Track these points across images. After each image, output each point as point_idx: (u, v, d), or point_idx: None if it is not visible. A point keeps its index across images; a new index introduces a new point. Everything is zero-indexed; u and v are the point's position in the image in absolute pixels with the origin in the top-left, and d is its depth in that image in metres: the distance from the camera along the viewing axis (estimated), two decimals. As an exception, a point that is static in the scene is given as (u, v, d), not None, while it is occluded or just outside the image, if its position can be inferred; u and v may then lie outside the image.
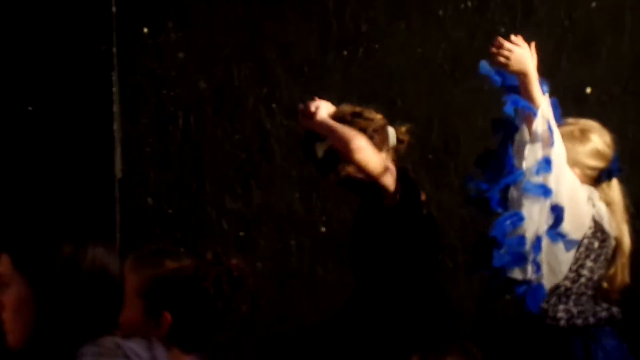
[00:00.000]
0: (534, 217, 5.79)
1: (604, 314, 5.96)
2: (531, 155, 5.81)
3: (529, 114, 5.79)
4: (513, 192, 5.84)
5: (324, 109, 6.16)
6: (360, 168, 5.98)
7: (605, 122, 6.99)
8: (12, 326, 3.43)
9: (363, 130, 6.10)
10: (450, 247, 7.30)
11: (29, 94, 7.75)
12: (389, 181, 6.03)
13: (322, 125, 6.07)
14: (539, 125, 5.76)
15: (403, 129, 6.37)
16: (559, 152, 5.78)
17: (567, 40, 7.23)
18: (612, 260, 6.04)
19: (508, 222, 5.80)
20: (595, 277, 5.98)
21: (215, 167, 7.57)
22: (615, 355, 5.98)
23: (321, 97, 7.28)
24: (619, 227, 6.03)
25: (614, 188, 6.07)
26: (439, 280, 6.46)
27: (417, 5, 7.40)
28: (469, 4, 7.34)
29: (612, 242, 6.01)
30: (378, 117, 6.26)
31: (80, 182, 7.63)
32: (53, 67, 7.71)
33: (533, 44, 5.93)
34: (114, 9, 7.64)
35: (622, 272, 6.06)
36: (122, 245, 7.46)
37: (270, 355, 6.27)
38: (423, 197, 6.20)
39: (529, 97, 5.76)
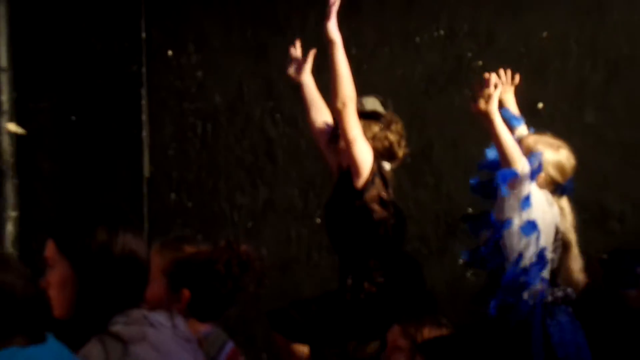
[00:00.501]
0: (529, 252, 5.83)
1: (559, 293, 5.94)
2: (512, 205, 5.82)
3: (514, 180, 5.76)
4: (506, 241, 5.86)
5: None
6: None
7: (554, 132, 7.00)
8: (57, 301, 3.44)
9: None
10: (425, 237, 7.29)
11: (73, 107, 7.74)
12: (365, 163, 6.01)
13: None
14: (522, 184, 5.76)
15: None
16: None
17: (523, 63, 7.20)
18: (564, 251, 6.04)
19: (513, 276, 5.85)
20: (555, 264, 5.97)
21: (227, 168, 7.56)
22: (567, 329, 5.96)
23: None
24: (566, 226, 6.03)
25: (564, 199, 6.07)
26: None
27: (398, 33, 7.39)
28: (441, 32, 7.33)
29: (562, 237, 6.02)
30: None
31: (114, 180, 7.63)
32: (93, 84, 7.71)
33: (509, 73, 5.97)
34: (143, 34, 7.63)
35: (575, 261, 6.05)
36: (149, 233, 7.46)
37: (277, 321, 6.27)
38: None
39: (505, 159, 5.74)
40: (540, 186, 5.98)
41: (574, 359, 5.98)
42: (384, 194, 6.15)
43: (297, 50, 6.41)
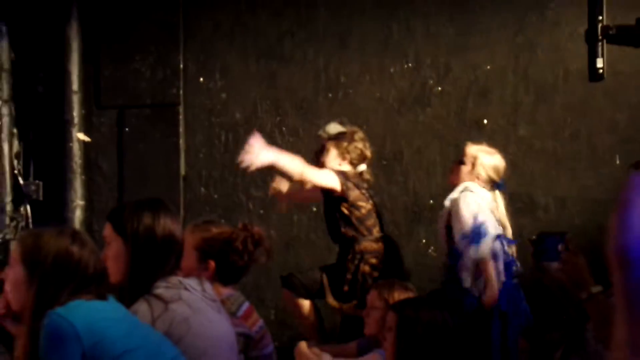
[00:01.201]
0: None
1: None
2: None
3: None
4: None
5: (260, 151, 5.84)
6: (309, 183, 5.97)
7: (495, 143, 7.01)
8: (113, 270, 3.48)
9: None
10: (397, 222, 7.29)
11: (126, 119, 7.74)
12: (334, 184, 6.00)
13: (269, 163, 5.88)
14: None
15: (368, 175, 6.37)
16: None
17: (471, 89, 7.21)
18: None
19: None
20: None
21: (244, 168, 7.54)
22: (517, 297, 5.97)
23: (314, 124, 7.30)
24: (500, 215, 6.03)
25: (498, 194, 6.05)
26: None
27: (377, 65, 7.39)
28: (410, 65, 7.32)
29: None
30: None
31: (158, 177, 7.62)
32: (142, 103, 7.71)
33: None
34: (181, 65, 7.63)
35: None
36: (184, 218, 7.44)
37: (287, 282, 6.28)
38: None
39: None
40: (482, 185, 6.00)
41: (521, 323, 5.99)
42: (362, 191, 6.14)
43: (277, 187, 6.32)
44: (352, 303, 6.05)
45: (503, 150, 7.03)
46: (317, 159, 6.17)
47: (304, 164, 5.92)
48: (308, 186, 6.10)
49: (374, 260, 6.17)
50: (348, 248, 6.14)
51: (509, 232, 6.12)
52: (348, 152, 6.15)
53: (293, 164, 5.88)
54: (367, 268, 6.13)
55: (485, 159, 6.09)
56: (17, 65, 7.85)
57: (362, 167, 6.25)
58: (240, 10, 7.58)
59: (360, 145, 6.21)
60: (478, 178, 6.01)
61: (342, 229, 6.11)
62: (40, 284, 3.11)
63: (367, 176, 6.29)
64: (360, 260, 6.12)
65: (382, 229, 6.29)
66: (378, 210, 6.32)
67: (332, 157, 6.13)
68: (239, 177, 7.53)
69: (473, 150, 6.12)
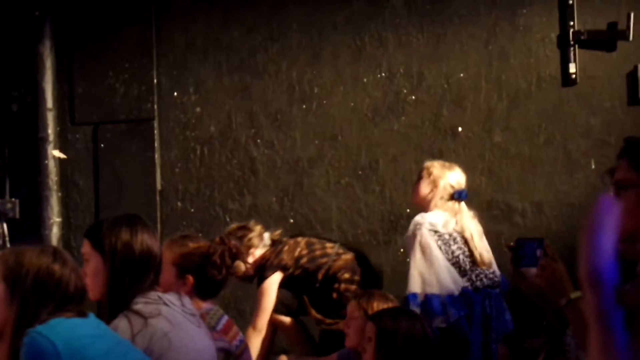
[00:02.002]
0: None
1: (487, 281, 5.95)
2: None
3: None
4: None
5: None
6: None
7: (469, 149, 7.03)
8: (92, 286, 3.47)
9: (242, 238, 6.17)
10: (373, 231, 7.29)
11: (100, 134, 7.70)
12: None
13: None
14: None
15: (276, 233, 6.44)
16: None
17: (445, 97, 7.22)
18: (466, 243, 6.06)
19: None
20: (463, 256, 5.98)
21: (220, 181, 7.54)
22: (500, 308, 6.00)
23: (289, 135, 7.31)
24: (462, 224, 6.02)
25: (463, 206, 6.03)
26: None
27: (351, 75, 7.38)
28: (383, 74, 7.33)
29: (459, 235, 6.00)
30: (257, 227, 6.33)
31: (134, 192, 7.60)
32: (117, 118, 7.68)
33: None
34: (155, 80, 7.61)
35: (478, 247, 6.08)
36: (161, 232, 7.42)
37: None
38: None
39: None
40: (441, 203, 6.04)
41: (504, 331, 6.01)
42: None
43: None
44: (337, 321, 6.08)
45: (478, 157, 7.08)
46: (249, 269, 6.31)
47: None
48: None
49: (347, 275, 6.25)
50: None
51: (476, 241, 6.12)
52: (248, 247, 6.25)
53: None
54: (343, 285, 6.20)
55: (445, 173, 6.11)
56: (-10, 84, 7.84)
57: (265, 238, 6.36)
58: (213, 25, 7.57)
59: (255, 233, 6.35)
60: (439, 196, 6.04)
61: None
62: (22, 302, 3.10)
63: (275, 236, 6.53)
64: (334, 282, 6.21)
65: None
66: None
67: (249, 264, 6.22)
68: (215, 190, 7.52)
69: (431, 167, 6.15)
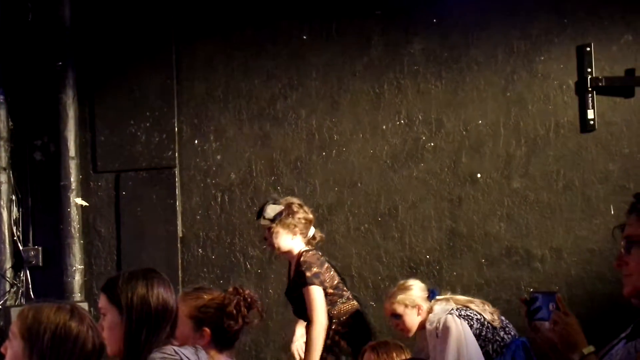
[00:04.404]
0: None
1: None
2: None
3: None
4: None
5: None
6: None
7: (488, 196, 7.01)
8: (109, 341, 3.46)
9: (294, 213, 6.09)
10: (393, 277, 7.25)
11: (122, 183, 7.74)
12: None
13: None
14: None
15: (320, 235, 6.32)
16: None
17: (464, 144, 7.23)
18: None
19: None
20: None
21: (241, 228, 7.55)
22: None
23: (309, 182, 7.32)
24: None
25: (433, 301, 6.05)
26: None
27: (370, 122, 7.39)
28: (402, 122, 7.34)
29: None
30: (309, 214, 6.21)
31: (156, 238, 7.61)
32: (138, 167, 7.71)
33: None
34: (176, 129, 7.65)
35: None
36: (182, 279, 7.44)
37: None
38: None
39: None
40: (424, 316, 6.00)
41: None
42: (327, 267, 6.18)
43: None
44: None
45: (497, 203, 7.08)
46: (270, 245, 6.14)
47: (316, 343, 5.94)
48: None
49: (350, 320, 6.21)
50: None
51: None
52: (295, 226, 6.10)
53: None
54: (340, 328, 6.13)
55: (405, 293, 6.07)
56: (15, 133, 7.90)
57: (312, 231, 6.21)
58: (233, 74, 7.61)
59: (301, 214, 6.11)
60: (426, 311, 6.03)
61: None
62: (39, 359, 3.12)
63: (318, 236, 6.26)
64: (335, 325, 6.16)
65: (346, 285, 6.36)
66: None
67: (283, 238, 6.08)
68: (236, 237, 7.53)
69: (403, 300, 6.08)
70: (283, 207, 6.04)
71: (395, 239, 7.32)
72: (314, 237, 6.19)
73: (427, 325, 5.90)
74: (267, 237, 6.10)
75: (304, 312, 6.05)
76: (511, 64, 7.21)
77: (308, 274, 5.94)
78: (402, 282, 6.22)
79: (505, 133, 7.16)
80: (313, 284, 5.95)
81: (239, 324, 4.21)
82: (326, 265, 6.11)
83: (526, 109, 7.16)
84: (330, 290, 6.06)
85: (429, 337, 5.88)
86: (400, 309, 6.00)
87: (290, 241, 6.06)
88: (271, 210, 6.01)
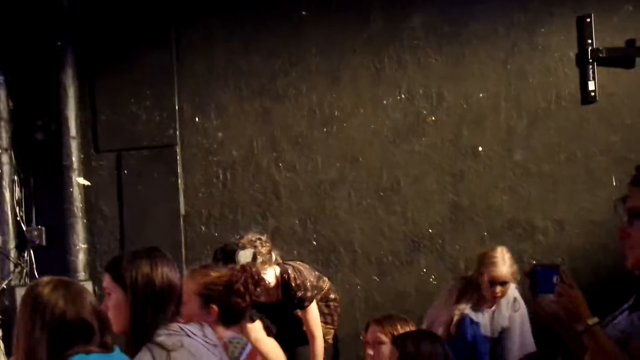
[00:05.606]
0: None
1: None
2: None
3: None
4: None
5: None
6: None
7: (490, 169, 7.02)
8: (114, 320, 3.49)
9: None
10: (396, 252, 7.29)
11: (124, 162, 7.74)
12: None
13: None
14: None
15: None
16: None
17: (466, 117, 7.24)
18: None
19: None
20: None
21: (244, 205, 7.57)
22: None
23: (310, 158, 7.32)
24: None
25: None
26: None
27: (371, 97, 7.39)
28: (403, 96, 7.34)
29: None
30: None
31: (159, 217, 7.63)
32: (139, 145, 7.71)
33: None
34: (177, 107, 7.65)
35: None
36: (186, 257, 7.46)
37: None
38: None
39: None
40: None
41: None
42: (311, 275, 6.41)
43: None
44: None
45: (499, 176, 7.09)
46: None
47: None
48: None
49: (332, 296, 6.55)
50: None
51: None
52: (269, 259, 6.16)
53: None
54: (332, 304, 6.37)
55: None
56: (16, 113, 7.90)
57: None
58: (233, 51, 7.60)
59: (265, 249, 6.14)
60: None
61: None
62: (49, 338, 3.17)
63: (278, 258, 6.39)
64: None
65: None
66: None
67: (268, 275, 6.14)
68: (238, 214, 7.54)
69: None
70: (252, 250, 6.06)
71: (397, 213, 7.33)
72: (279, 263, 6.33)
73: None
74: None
75: (293, 332, 6.33)
76: (511, 37, 7.19)
77: (308, 294, 6.23)
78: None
79: (506, 106, 7.16)
80: (311, 301, 6.24)
81: (246, 301, 4.23)
82: (305, 271, 6.34)
83: (527, 81, 7.16)
84: (318, 296, 6.40)
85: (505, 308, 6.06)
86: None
87: (272, 274, 6.16)
88: (244, 257, 5.96)
